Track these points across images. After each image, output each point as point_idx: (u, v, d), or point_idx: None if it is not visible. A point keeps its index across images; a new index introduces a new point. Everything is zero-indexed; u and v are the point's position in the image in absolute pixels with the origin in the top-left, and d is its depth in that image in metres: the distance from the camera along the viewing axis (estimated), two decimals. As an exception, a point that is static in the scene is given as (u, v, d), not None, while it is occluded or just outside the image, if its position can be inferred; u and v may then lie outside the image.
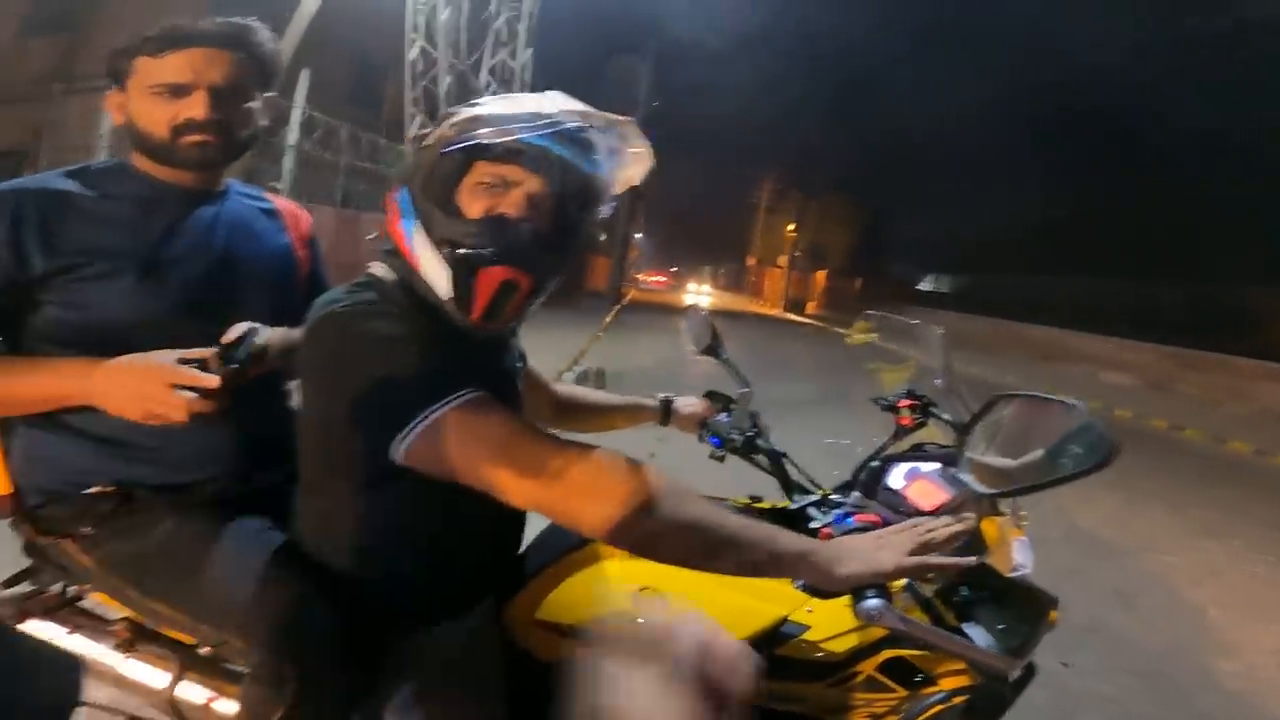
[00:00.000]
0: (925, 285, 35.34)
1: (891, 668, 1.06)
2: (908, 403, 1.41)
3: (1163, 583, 4.05)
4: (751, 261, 63.85)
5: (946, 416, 1.37)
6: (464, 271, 0.96)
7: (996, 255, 28.72)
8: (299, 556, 1.07)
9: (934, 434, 1.40)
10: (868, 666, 1.05)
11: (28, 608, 1.17)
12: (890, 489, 1.27)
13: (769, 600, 1.07)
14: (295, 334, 1.13)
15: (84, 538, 1.12)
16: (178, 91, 1.17)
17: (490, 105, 0.99)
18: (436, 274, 0.98)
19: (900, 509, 1.22)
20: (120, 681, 1.12)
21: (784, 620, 1.06)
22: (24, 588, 1.22)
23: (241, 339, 1.07)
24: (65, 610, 1.19)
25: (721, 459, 1.53)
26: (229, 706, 1.08)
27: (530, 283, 0.98)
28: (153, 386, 0.97)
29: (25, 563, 1.22)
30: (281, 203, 1.42)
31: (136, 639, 1.14)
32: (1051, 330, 17.69)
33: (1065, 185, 28.91)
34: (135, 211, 1.18)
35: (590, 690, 0.53)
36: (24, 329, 1.12)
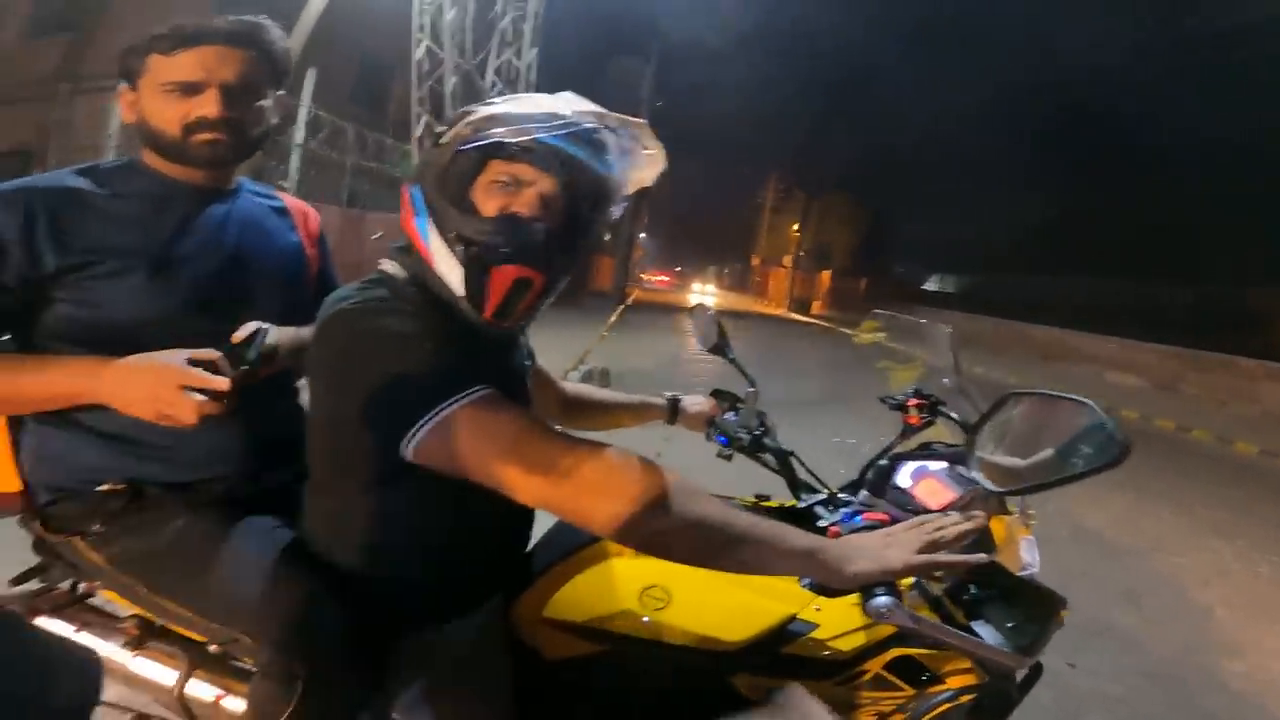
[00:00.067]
0: (930, 285, 35.30)
1: (899, 666, 1.05)
2: (916, 402, 1.41)
3: (1170, 583, 4.04)
4: (756, 261, 63.89)
5: (954, 415, 1.36)
6: (477, 269, 0.96)
7: (1001, 255, 28.71)
8: (308, 555, 1.07)
9: (942, 433, 1.40)
10: (875, 665, 1.05)
11: (36, 605, 1.18)
12: (898, 488, 1.27)
13: (776, 598, 1.07)
14: (305, 333, 1.13)
15: (94, 535, 1.13)
16: (190, 89, 1.17)
17: (506, 105, 0.99)
18: (450, 271, 0.98)
19: (908, 507, 1.22)
20: (129, 679, 1.13)
21: (792, 618, 1.06)
22: (33, 585, 1.22)
23: (251, 339, 1.07)
24: (74, 607, 1.20)
25: (729, 458, 1.53)
26: (237, 704, 1.08)
27: (543, 281, 0.98)
28: (163, 388, 0.97)
29: (34, 560, 1.23)
30: (291, 201, 1.42)
31: (145, 636, 1.14)
32: (1056, 330, 17.62)
33: (1069, 185, 28.85)
34: (146, 209, 1.18)
35: None
36: (35, 327, 1.12)
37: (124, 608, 1.17)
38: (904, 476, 1.28)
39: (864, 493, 1.30)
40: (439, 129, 1.03)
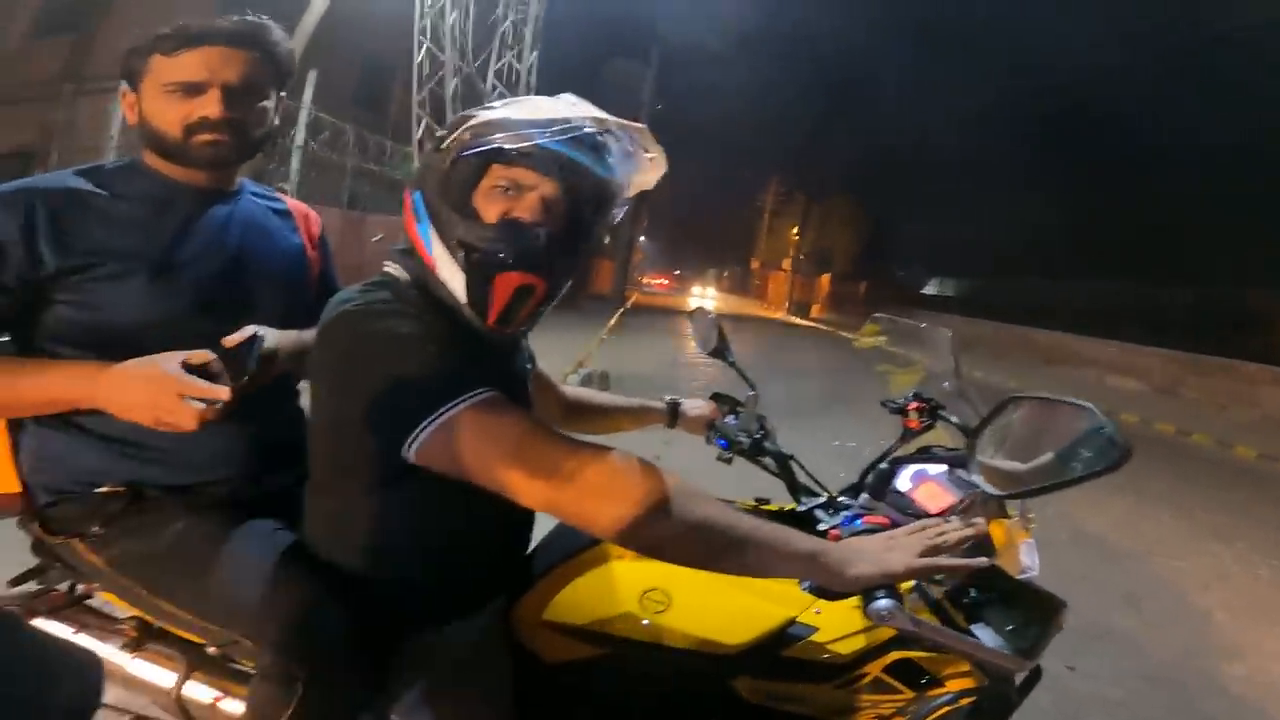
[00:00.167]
0: (930, 289, 35.29)
1: (899, 669, 1.05)
2: (916, 405, 1.41)
3: (1170, 586, 4.04)
4: (755, 265, 63.95)
5: (954, 419, 1.36)
6: (480, 276, 0.96)
7: (1001, 258, 28.72)
8: (308, 557, 1.07)
9: (941, 437, 1.40)
10: (875, 668, 1.05)
11: (35, 606, 1.17)
12: (898, 491, 1.27)
13: (777, 601, 1.07)
14: (307, 336, 1.13)
15: (93, 537, 1.12)
16: (192, 90, 1.16)
17: (506, 109, 0.99)
18: (452, 277, 0.98)
19: (908, 511, 1.22)
20: (127, 681, 1.12)
21: (792, 621, 1.06)
22: (31, 586, 1.22)
23: (249, 346, 1.06)
24: (72, 609, 1.20)
25: (729, 461, 1.53)
26: (236, 706, 1.08)
27: (545, 287, 0.99)
28: (162, 395, 0.97)
29: (33, 561, 1.23)
30: (292, 203, 1.42)
31: (144, 638, 1.14)
32: (1057, 334, 17.62)
33: (1070, 188, 28.88)
34: (148, 211, 1.18)
35: None
36: (35, 328, 1.12)
37: (122, 609, 1.17)
38: (904, 480, 1.28)
39: (864, 496, 1.30)
40: (439, 133, 1.03)
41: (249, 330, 1.09)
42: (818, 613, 1.06)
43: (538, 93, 1.11)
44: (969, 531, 0.94)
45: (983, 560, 0.93)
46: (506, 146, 0.94)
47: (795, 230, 46.26)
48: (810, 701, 1.07)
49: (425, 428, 0.86)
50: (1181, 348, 13.81)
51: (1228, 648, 3.34)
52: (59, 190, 1.13)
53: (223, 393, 0.97)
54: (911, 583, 1.04)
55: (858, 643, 1.05)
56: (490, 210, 0.97)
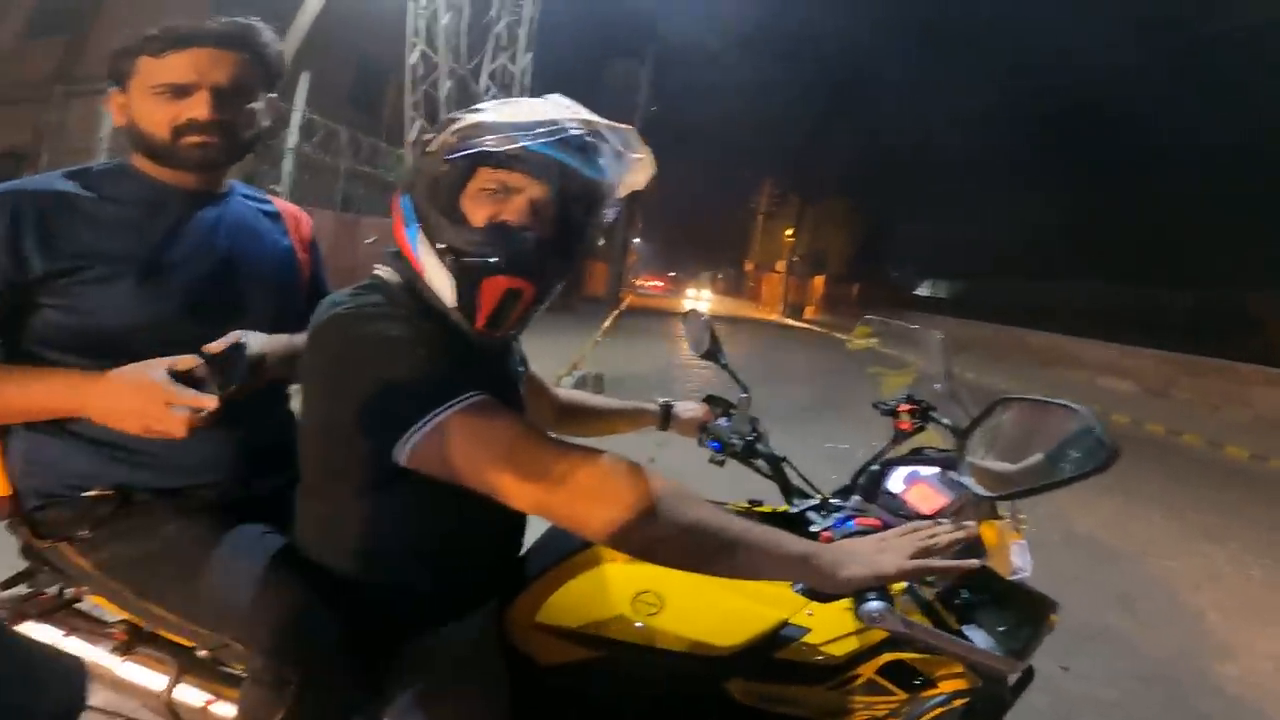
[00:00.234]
0: (923, 290, 35.40)
1: (891, 671, 1.06)
2: (907, 407, 1.41)
3: (1162, 587, 4.05)
4: (749, 266, 64.05)
5: (946, 421, 1.37)
6: (467, 280, 0.96)
7: (994, 260, 28.81)
8: (299, 561, 1.06)
9: (933, 438, 1.40)
10: (867, 669, 1.05)
11: (24, 610, 1.17)
12: (890, 493, 1.28)
13: (769, 603, 1.07)
14: (297, 341, 1.12)
15: (82, 541, 1.12)
16: (180, 92, 1.15)
17: (493, 111, 0.98)
18: (441, 282, 0.98)
19: (900, 513, 1.22)
20: (118, 684, 1.12)
21: (784, 623, 1.06)
22: (20, 590, 1.21)
23: (235, 353, 1.05)
24: (62, 612, 1.19)
25: (721, 463, 1.53)
26: (227, 709, 1.07)
27: (534, 291, 0.98)
28: (150, 404, 0.96)
29: (21, 565, 1.22)
30: (283, 205, 1.41)
31: (134, 641, 1.13)
32: (1050, 336, 17.68)
33: (1065, 190, 28.97)
34: (137, 213, 1.17)
35: None
36: (22, 332, 1.11)
37: (112, 612, 1.16)
38: (896, 482, 1.28)
39: (855, 498, 1.30)
40: (427, 136, 1.03)
41: (233, 336, 1.09)
42: (810, 614, 1.06)
43: (532, 95, 1.11)
44: (960, 534, 0.95)
45: (973, 562, 0.93)
46: (492, 149, 0.94)
47: (789, 232, 46.34)
48: (803, 703, 1.07)
49: (416, 431, 0.86)
50: (1177, 350, 13.87)
51: (1221, 648, 3.36)
52: (46, 193, 1.12)
53: (210, 402, 0.97)
54: (903, 584, 1.04)
55: (850, 644, 1.05)
56: (478, 213, 0.97)
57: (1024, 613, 0.95)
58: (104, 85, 1.22)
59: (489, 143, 0.93)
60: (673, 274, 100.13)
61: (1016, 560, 1.14)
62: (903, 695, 1.06)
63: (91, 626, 1.17)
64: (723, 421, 1.56)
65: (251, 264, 1.26)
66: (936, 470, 1.27)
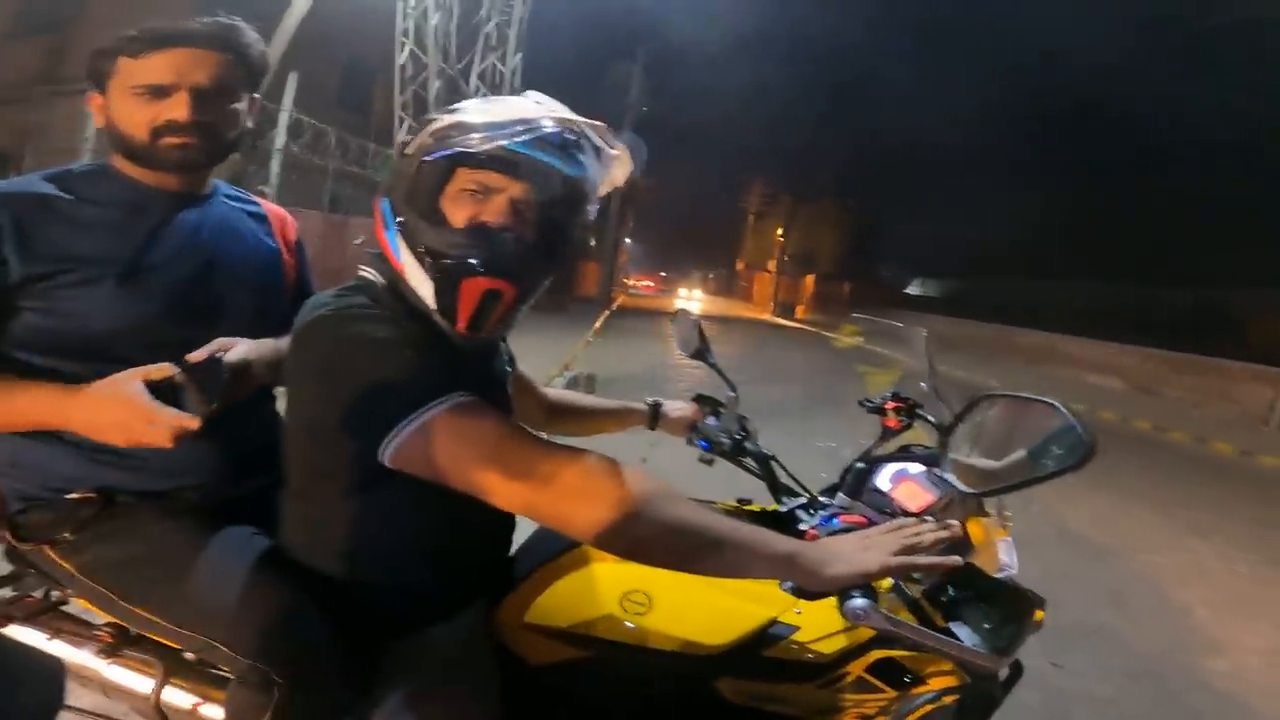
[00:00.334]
0: (913, 289, 35.54)
1: (881, 668, 1.06)
2: (894, 405, 1.42)
3: (1151, 583, 4.08)
4: (741, 266, 64.12)
5: (932, 418, 1.37)
6: (446, 282, 0.96)
7: (985, 259, 28.97)
8: (285, 562, 1.06)
9: (921, 436, 1.41)
10: (857, 667, 1.06)
11: (9, 612, 1.16)
12: (878, 490, 1.28)
13: (757, 602, 1.07)
14: (283, 345, 1.12)
15: (64, 543, 1.11)
16: (159, 93, 1.14)
17: (469, 111, 0.98)
18: (421, 284, 0.98)
19: (887, 510, 1.22)
20: (105, 687, 1.12)
21: (773, 622, 1.06)
22: (5, 592, 1.21)
23: (213, 367, 1.03)
24: (48, 615, 1.18)
25: (710, 462, 1.53)
26: (215, 711, 1.07)
27: (514, 291, 0.98)
28: (133, 419, 0.95)
29: (6, 568, 1.21)
30: (269, 207, 1.41)
31: (120, 644, 1.13)
32: (1039, 334, 17.79)
33: (1054, 189, 29.20)
34: (118, 215, 1.16)
35: None
36: (4, 336, 1.10)
37: (98, 615, 1.16)
38: (883, 479, 1.28)
39: (841, 495, 1.31)
40: (405, 139, 1.02)
41: (219, 343, 1.08)
42: (799, 613, 1.06)
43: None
44: (944, 533, 0.95)
45: (955, 559, 0.93)
46: (469, 150, 0.93)
47: (780, 231, 46.42)
48: (793, 701, 1.07)
49: (401, 431, 0.85)
50: (1164, 348, 13.97)
51: (1210, 643, 3.38)
52: (24, 195, 1.11)
53: (192, 423, 0.95)
54: (889, 582, 1.04)
55: (839, 642, 1.05)
56: (458, 214, 0.97)
57: (1009, 609, 0.95)
58: (88, 86, 1.20)
59: (465, 143, 0.93)
60: (664, 274, 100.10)
61: (1003, 557, 1.15)
62: (892, 693, 1.06)
63: (78, 629, 1.16)
64: (711, 421, 1.56)
65: (235, 265, 1.25)
66: (924, 468, 1.28)
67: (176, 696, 1.09)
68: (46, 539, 1.12)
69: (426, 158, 0.96)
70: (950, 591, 1.01)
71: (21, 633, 1.14)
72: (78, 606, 1.19)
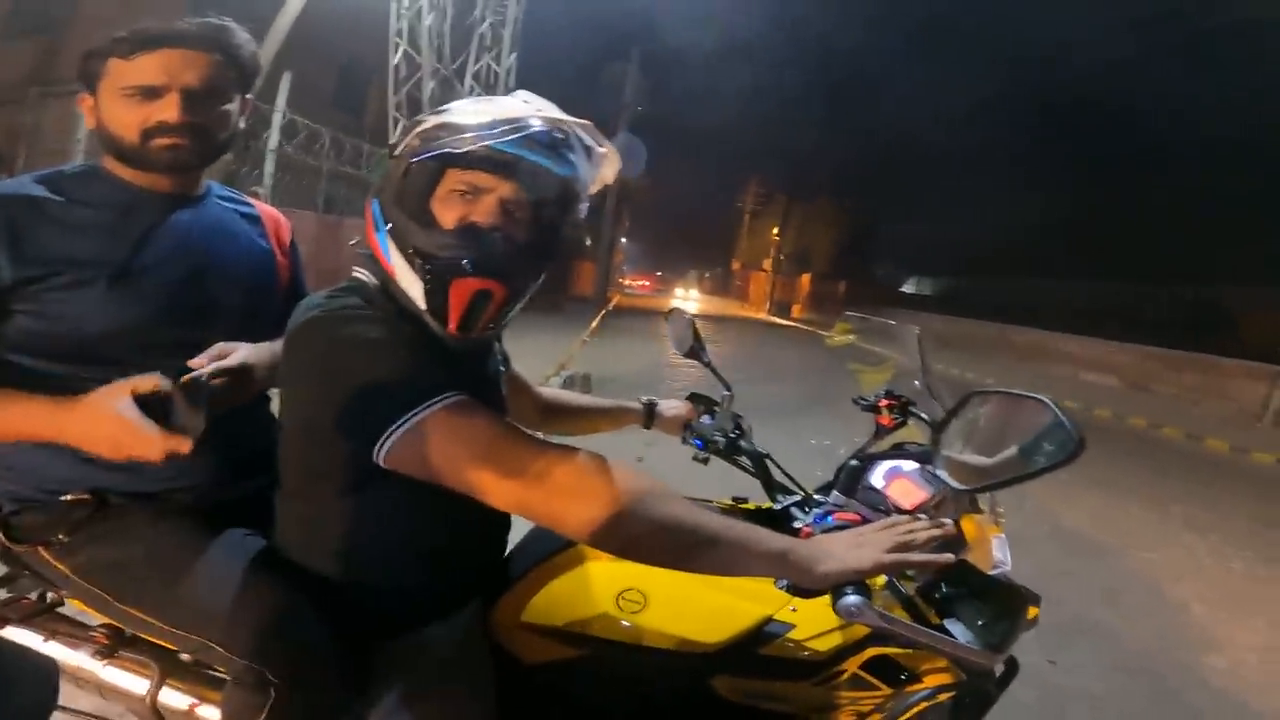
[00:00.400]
0: (909, 288, 35.61)
1: (876, 666, 1.06)
2: (887, 402, 1.42)
3: (1146, 580, 4.09)
4: (736, 265, 64.17)
5: (925, 416, 1.38)
6: (436, 283, 0.96)
7: (979, 258, 29.05)
8: (280, 563, 1.06)
9: (914, 433, 1.41)
10: (852, 665, 1.06)
11: (4, 614, 1.16)
12: (872, 488, 1.28)
13: (752, 600, 1.07)
14: (280, 349, 1.11)
15: (58, 545, 1.11)
16: (149, 94, 1.14)
17: (457, 112, 0.98)
18: (411, 285, 0.98)
19: (881, 507, 1.23)
20: (101, 688, 1.12)
21: (768, 620, 1.06)
22: (1, 594, 1.20)
23: (198, 387, 1.00)
24: (43, 616, 1.18)
25: (705, 461, 1.53)
26: (211, 712, 1.07)
27: (505, 291, 0.98)
28: (124, 435, 0.94)
29: (0, 570, 1.21)
30: (263, 208, 1.40)
31: (116, 645, 1.13)
32: (1035, 331, 17.82)
33: (1050, 188, 29.27)
34: (109, 217, 1.16)
35: None
36: None
37: (94, 616, 1.16)
38: (877, 477, 1.29)
39: (835, 493, 1.31)
40: (392, 140, 1.02)
41: (215, 349, 1.07)
42: (794, 610, 1.07)
43: None
44: (937, 530, 0.96)
45: (948, 556, 0.93)
46: (456, 150, 0.93)
47: (775, 231, 46.43)
48: (789, 699, 1.07)
49: (395, 431, 0.85)
50: (1163, 345, 14.01)
51: (1206, 640, 3.40)
52: (15, 198, 1.10)
53: (183, 446, 0.94)
54: (883, 579, 1.05)
55: (834, 640, 1.05)
56: (448, 215, 0.97)
57: (1003, 606, 0.96)
58: (80, 87, 1.20)
59: (453, 144, 0.93)
60: (660, 273, 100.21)
61: (997, 554, 1.15)
62: (888, 690, 1.06)
63: (73, 630, 1.16)
64: (706, 419, 1.56)
65: (228, 266, 1.25)
66: (917, 465, 1.28)
67: (172, 697, 1.09)
68: (41, 540, 1.11)
69: (415, 159, 0.96)
70: (944, 589, 1.01)
71: (16, 634, 1.14)
72: (73, 608, 1.19)
